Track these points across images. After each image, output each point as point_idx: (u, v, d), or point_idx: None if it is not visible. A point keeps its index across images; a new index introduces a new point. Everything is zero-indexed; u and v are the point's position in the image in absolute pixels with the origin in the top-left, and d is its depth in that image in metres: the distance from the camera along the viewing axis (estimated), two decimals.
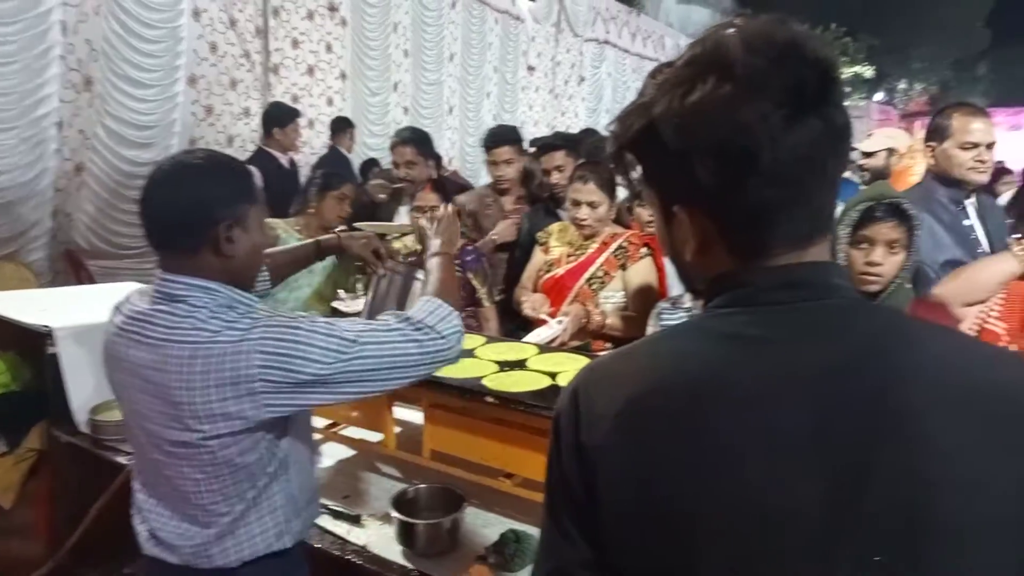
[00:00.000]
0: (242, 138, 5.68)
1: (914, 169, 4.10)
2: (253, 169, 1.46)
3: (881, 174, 4.16)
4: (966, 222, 2.42)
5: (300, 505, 1.38)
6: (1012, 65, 22.07)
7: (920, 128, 6.10)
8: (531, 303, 2.54)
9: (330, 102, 6.53)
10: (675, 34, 12.49)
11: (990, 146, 2.36)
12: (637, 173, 0.75)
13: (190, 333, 1.21)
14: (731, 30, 0.66)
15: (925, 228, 1.99)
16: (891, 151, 4.29)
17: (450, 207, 1.83)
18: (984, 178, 2.41)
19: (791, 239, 0.68)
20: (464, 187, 4.30)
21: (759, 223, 0.67)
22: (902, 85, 23.04)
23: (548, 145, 3.41)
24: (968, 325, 1.89)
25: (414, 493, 1.73)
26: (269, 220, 2.43)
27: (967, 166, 2.36)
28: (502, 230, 3.29)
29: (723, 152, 0.64)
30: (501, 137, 3.41)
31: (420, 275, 1.82)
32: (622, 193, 2.74)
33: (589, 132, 4.93)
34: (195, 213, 1.26)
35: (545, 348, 2.11)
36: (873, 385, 0.61)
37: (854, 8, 18.42)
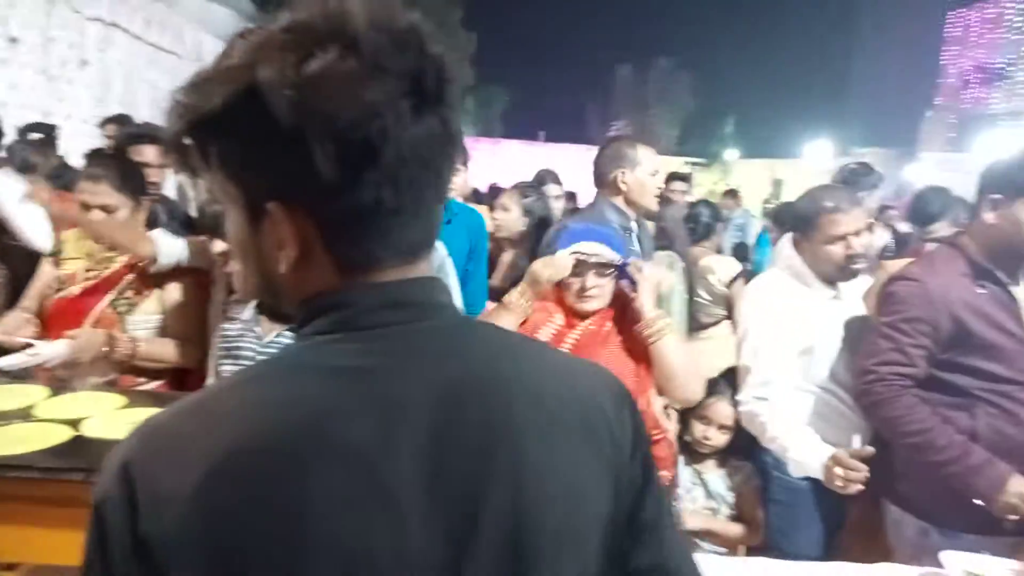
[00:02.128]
0: None
1: None
2: None
3: None
4: (633, 247, 2.67)
5: None
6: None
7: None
8: (3, 326, 2.02)
9: None
10: (196, 29, 11.71)
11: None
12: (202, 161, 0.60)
13: None
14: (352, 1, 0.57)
15: None
16: None
17: None
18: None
19: (402, 252, 0.61)
20: None
21: (371, 230, 0.59)
22: None
23: (135, 136, 2.81)
24: None
25: None
26: None
27: (655, 193, 2.61)
28: None
29: (346, 137, 0.55)
30: None
31: None
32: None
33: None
34: None
35: (59, 388, 1.70)
36: (484, 416, 0.60)
37: None
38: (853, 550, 1.98)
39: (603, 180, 2.60)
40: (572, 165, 9.34)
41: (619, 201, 2.58)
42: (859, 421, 2.06)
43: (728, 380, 2.22)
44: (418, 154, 0.58)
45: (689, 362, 1.95)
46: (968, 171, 2.09)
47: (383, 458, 0.55)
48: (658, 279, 2.00)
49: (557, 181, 4.36)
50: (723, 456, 2.33)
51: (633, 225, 2.57)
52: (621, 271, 1.95)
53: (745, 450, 2.25)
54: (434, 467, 0.57)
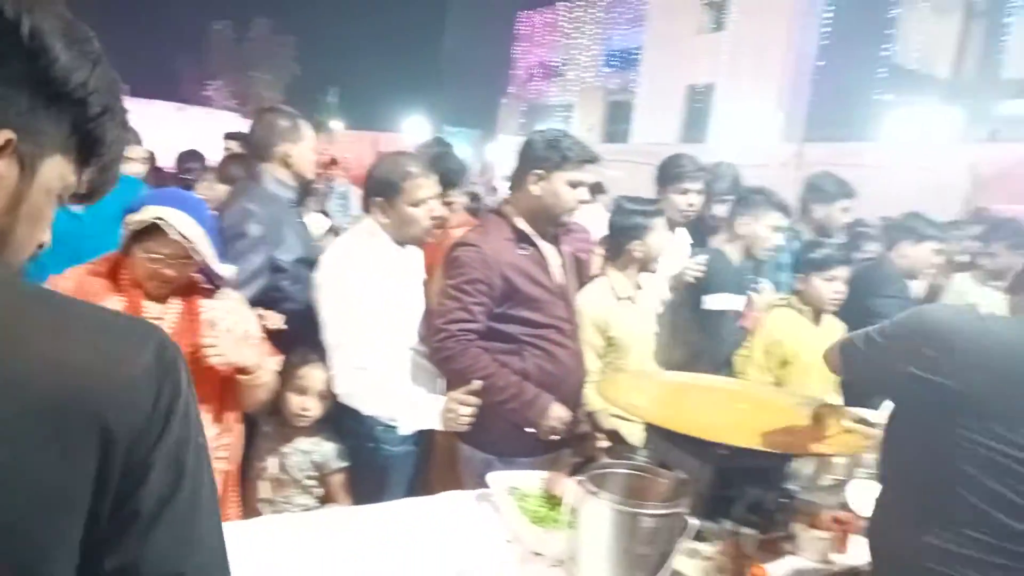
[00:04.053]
0: None
1: None
2: None
3: None
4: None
5: None
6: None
7: None
8: None
9: None
10: None
11: None
12: None
13: None
14: None
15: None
16: None
17: None
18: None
19: None
20: None
21: None
22: None
23: None
24: None
25: None
26: None
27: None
28: None
29: None
30: None
31: None
32: None
33: None
34: None
35: None
36: None
37: None
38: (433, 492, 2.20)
39: (266, 153, 2.49)
40: (159, 123, 8.44)
41: (284, 175, 2.50)
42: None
43: (312, 346, 2.19)
44: None
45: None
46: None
47: None
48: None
49: (138, 141, 3.91)
50: (317, 428, 2.24)
51: (293, 195, 2.57)
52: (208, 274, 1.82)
53: (335, 422, 2.23)
54: None
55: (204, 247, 1.72)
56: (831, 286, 2.82)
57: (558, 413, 2.13)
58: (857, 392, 2.78)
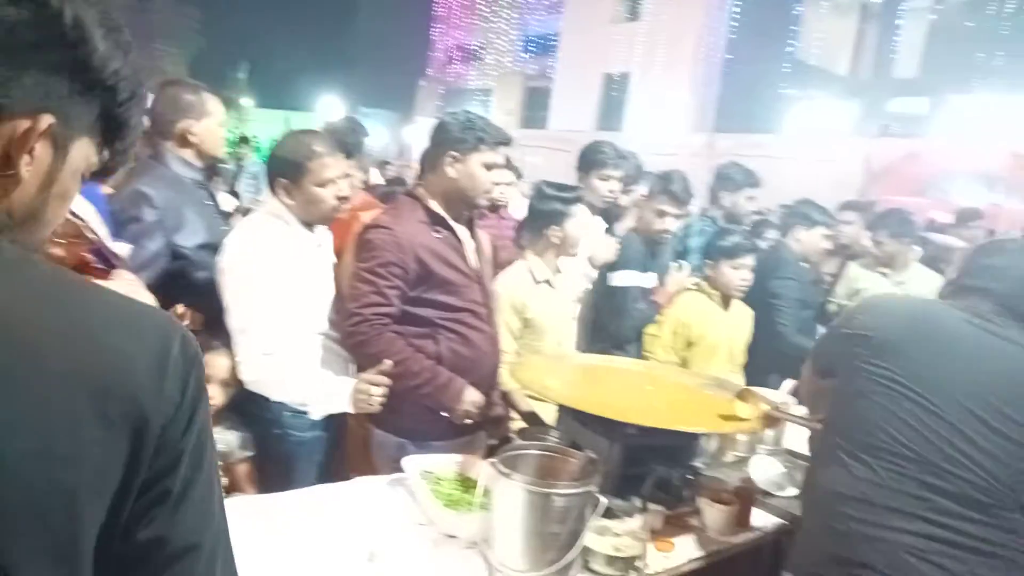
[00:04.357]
0: None
1: None
2: None
3: None
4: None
5: None
6: None
7: None
8: None
9: None
10: None
11: None
12: None
13: None
14: None
15: None
16: None
17: None
18: None
19: None
20: None
21: None
22: None
23: None
24: None
25: None
26: None
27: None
28: None
29: None
30: None
31: None
32: None
33: None
34: None
35: None
36: None
37: None
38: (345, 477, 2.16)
39: (168, 130, 2.33)
40: None
41: (188, 154, 2.36)
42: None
43: (215, 333, 2.10)
44: None
45: None
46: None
47: None
48: None
49: None
50: (220, 416, 2.13)
51: (198, 175, 2.43)
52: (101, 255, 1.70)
53: (239, 410, 2.16)
54: None
55: (97, 226, 1.62)
56: (739, 273, 2.95)
57: (472, 397, 2.13)
58: (758, 373, 2.92)
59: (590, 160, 3.27)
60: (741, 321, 3.08)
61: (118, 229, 2.06)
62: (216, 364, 2.09)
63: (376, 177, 6.91)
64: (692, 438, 2.02)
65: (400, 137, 17.46)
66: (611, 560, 1.58)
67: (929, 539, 1.41)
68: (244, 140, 10.13)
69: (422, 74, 26.44)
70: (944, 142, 10.17)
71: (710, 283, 3.03)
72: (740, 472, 2.13)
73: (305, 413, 2.10)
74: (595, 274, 3.07)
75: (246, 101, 21.04)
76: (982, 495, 1.39)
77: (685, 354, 2.95)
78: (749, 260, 2.97)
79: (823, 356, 1.81)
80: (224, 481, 2.14)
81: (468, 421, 2.16)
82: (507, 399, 2.48)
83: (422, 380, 2.09)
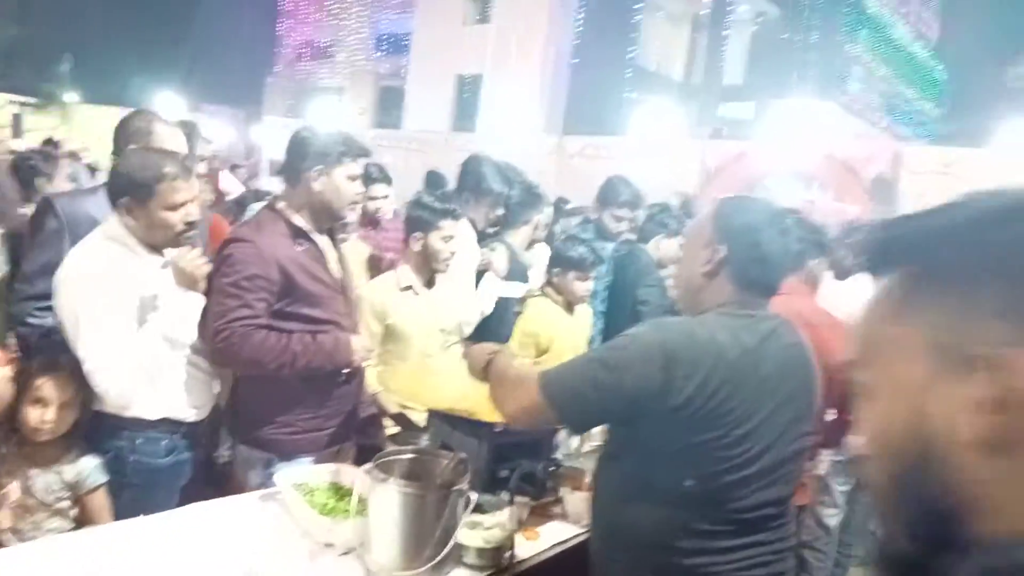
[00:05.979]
0: None
1: None
2: None
3: None
4: None
5: None
6: None
7: None
8: None
9: None
10: None
11: None
12: None
13: None
14: None
15: None
16: None
17: None
18: None
19: None
20: None
21: None
22: None
23: None
24: None
25: None
26: None
27: None
28: None
29: None
30: None
31: None
32: None
33: None
34: None
35: None
36: None
37: None
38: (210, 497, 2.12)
39: None
40: None
41: None
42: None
43: (55, 353, 1.97)
44: None
45: None
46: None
47: None
48: None
49: None
50: (68, 444, 2.02)
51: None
52: None
53: (91, 437, 2.05)
54: None
55: None
56: (584, 285, 3.06)
57: (361, 343, 2.23)
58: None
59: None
60: (584, 323, 3.26)
61: None
62: (53, 387, 1.96)
63: (228, 181, 6.59)
64: (552, 433, 2.17)
65: (248, 137, 16.64)
66: (481, 552, 1.68)
67: None
68: (51, 142, 8.91)
69: (270, 70, 25.35)
70: (767, 144, 11.19)
71: (555, 288, 3.08)
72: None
73: (160, 439, 2.05)
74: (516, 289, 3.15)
75: (70, 96, 19.22)
76: None
77: (539, 360, 3.06)
78: (593, 272, 3.11)
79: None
80: (74, 512, 2.03)
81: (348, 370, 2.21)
82: (376, 402, 2.53)
83: (310, 355, 2.09)
